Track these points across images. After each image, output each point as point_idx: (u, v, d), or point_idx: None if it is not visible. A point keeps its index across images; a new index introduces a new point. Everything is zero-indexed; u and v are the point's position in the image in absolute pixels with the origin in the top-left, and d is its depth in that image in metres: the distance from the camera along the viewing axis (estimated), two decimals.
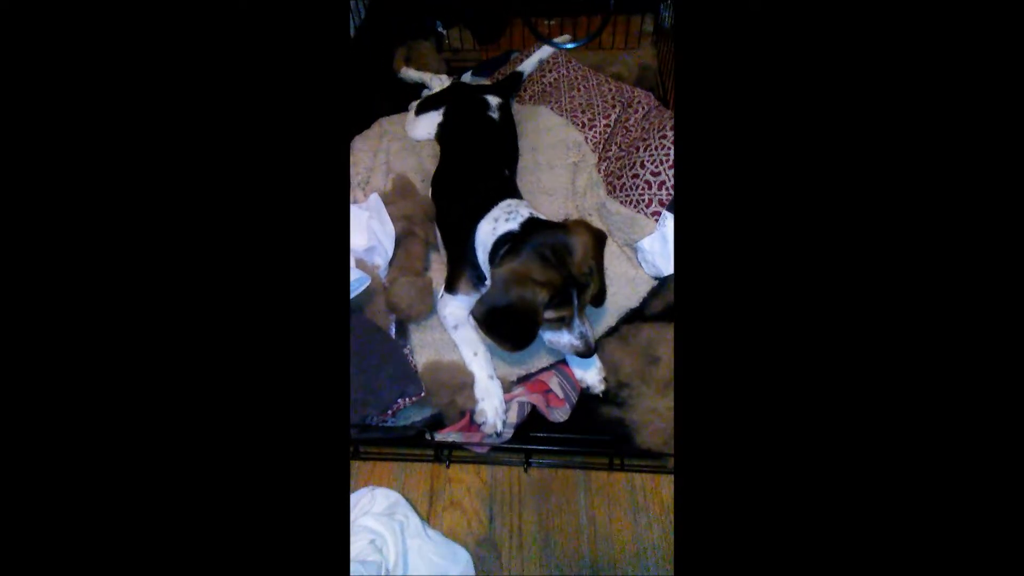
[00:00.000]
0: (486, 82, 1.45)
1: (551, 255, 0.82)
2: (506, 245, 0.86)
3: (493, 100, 1.21)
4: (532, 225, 0.87)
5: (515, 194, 1.01)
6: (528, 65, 1.34)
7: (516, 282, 0.80)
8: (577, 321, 0.86)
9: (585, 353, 0.88)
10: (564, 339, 0.88)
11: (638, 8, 1.61)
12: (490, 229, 0.90)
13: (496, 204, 0.93)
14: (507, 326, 0.85)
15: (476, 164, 1.08)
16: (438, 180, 1.12)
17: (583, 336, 0.87)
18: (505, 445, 0.91)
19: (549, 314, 0.84)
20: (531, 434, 0.92)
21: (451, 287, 0.98)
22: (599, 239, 0.89)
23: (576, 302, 0.85)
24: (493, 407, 0.89)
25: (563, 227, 0.87)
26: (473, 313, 0.86)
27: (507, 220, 0.89)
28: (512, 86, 1.35)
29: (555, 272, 0.81)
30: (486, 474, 0.95)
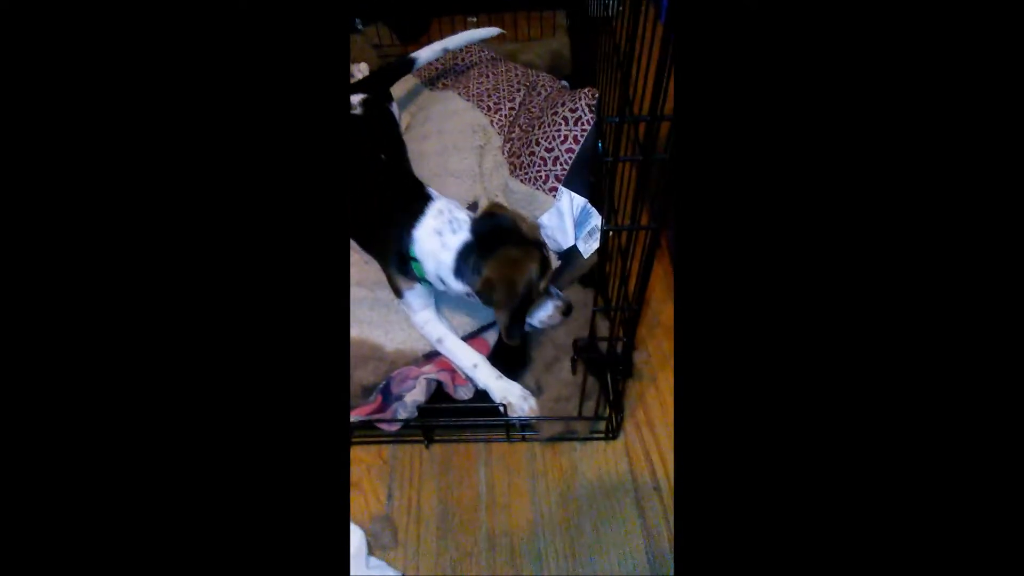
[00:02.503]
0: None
1: (515, 234, 0.85)
2: (472, 254, 0.86)
3: (355, 98, 1.19)
4: (479, 225, 0.88)
5: (423, 190, 0.98)
6: (424, 53, 1.29)
7: (513, 267, 0.83)
8: (552, 286, 0.93)
9: (567, 311, 0.94)
10: (549, 307, 0.94)
11: (552, 4, 1.65)
12: (438, 244, 0.87)
13: (424, 211, 0.90)
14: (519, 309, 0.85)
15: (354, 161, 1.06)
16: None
17: (559, 295, 0.94)
18: (413, 423, 0.90)
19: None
20: (431, 405, 0.91)
21: (397, 292, 0.98)
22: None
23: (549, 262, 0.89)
24: (518, 397, 0.90)
25: (496, 215, 0.89)
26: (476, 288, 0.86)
27: (453, 232, 0.88)
28: (396, 72, 1.31)
29: (530, 245, 0.85)
30: (387, 453, 0.93)
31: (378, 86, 1.28)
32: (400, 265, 0.93)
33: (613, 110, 0.90)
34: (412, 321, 0.99)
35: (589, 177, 1.04)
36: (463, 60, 1.44)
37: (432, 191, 0.96)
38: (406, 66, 1.31)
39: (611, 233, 0.94)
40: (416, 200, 0.92)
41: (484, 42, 1.48)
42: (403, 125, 1.34)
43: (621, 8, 1.71)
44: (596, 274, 1.04)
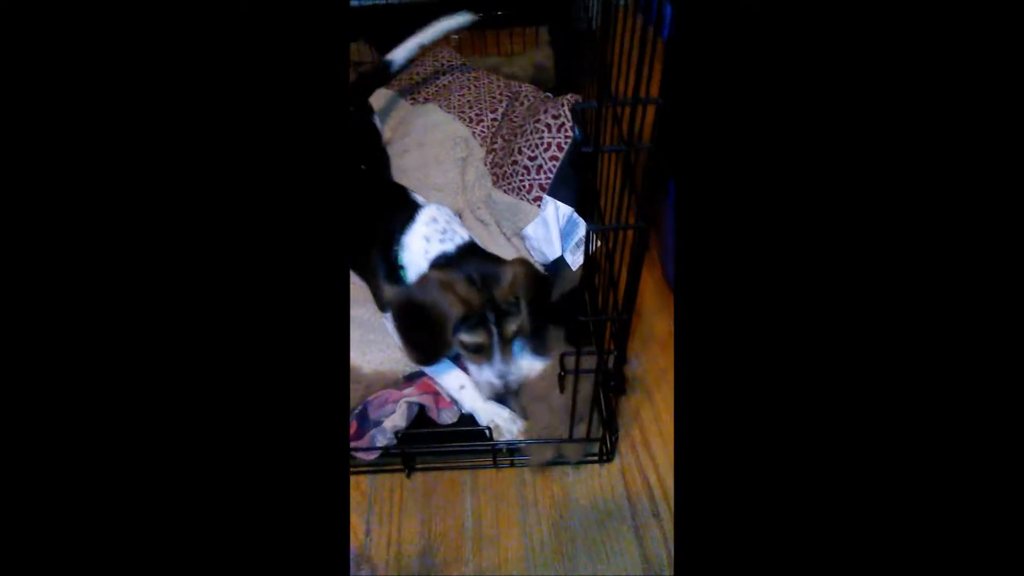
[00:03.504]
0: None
1: (477, 278, 0.79)
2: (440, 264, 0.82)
3: None
4: (468, 250, 0.83)
5: (408, 196, 0.94)
6: (399, 53, 1.25)
7: (437, 286, 0.77)
8: (498, 357, 0.82)
9: (501, 397, 0.84)
10: (484, 375, 0.84)
11: (535, 20, 1.64)
12: (422, 248, 0.84)
13: (415, 217, 0.86)
14: (417, 329, 0.79)
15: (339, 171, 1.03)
16: None
17: (503, 377, 0.83)
18: (392, 451, 0.84)
19: (464, 336, 0.80)
20: (412, 431, 0.85)
21: (382, 306, 0.92)
22: (534, 277, 0.84)
23: (495, 331, 0.80)
24: (505, 420, 0.85)
25: (498, 259, 0.83)
26: (390, 301, 0.81)
27: (441, 240, 0.83)
28: (375, 80, 1.27)
29: (476, 294, 0.78)
30: (366, 484, 0.86)
31: (358, 97, 1.24)
32: (389, 275, 0.88)
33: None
34: (395, 338, 0.93)
35: (574, 177, 1.00)
36: (443, 74, 1.41)
37: (419, 198, 0.91)
38: (383, 72, 1.27)
39: (596, 236, 0.89)
40: (404, 207, 0.87)
41: (466, 58, 1.45)
42: (384, 139, 1.30)
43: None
44: (584, 282, 0.99)
